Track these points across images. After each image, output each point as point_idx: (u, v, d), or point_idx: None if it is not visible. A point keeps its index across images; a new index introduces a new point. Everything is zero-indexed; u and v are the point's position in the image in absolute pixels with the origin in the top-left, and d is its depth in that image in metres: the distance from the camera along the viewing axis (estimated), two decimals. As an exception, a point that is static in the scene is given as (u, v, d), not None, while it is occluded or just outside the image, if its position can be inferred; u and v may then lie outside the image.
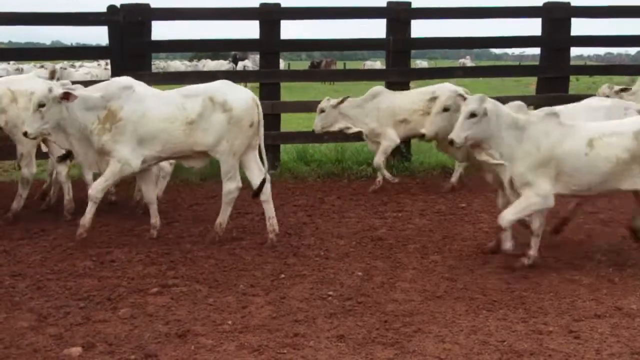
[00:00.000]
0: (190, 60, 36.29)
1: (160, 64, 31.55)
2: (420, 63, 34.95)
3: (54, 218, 6.38)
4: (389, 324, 3.96)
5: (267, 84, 8.72)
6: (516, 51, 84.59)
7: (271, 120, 8.60)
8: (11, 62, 26.32)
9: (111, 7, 8.08)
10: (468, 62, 36.55)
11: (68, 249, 5.40)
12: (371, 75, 11.67)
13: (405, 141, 8.77)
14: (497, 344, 3.70)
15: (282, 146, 8.89)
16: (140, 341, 3.71)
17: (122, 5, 8.12)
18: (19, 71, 23.10)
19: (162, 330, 3.86)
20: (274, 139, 8.61)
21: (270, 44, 8.60)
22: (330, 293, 4.45)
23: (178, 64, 33.68)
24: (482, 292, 4.48)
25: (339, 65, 36.67)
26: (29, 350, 3.59)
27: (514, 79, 23.16)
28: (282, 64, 20.72)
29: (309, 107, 9.94)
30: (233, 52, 32.51)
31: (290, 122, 11.37)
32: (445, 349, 3.65)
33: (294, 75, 11.19)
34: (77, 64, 29.66)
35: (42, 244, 5.56)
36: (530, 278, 4.73)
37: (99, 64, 27.56)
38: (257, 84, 9.46)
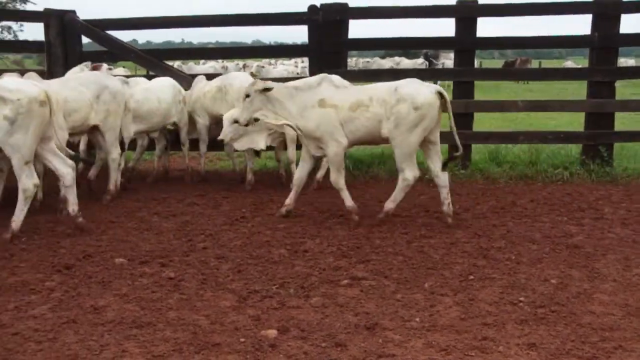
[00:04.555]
0: (383, 57, 36.71)
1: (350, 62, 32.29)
2: (626, 61, 32.51)
3: (252, 206, 6.81)
4: (585, 337, 3.75)
5: (461, 83, 8.60)
6: None
7: (464, 119, 8.50)
8: (219, 60, 28.37)
9: (312, 7, 8.43)
10: (684, 59, 33.22)
11: (265, 237, 5.74)
12: (572, 75, 11.05)
13: (607, 145, 8.27)
14: None
15: (473, 146, 8.72)
16: (330, 330, 3.84)
17: (321, 5, 8.42)
18: (225, 69, 24.86)
19: (352, 321, 3.96)
20: (466, 139, 8.48)
21: (466, 42, 8.46)
22: (522, 299, 4.31)
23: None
24: (695, 312, 4.10)
25: (534, 64, 35.29)
26: (230, 327, 3.86)
27: None
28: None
29: (503, 106, 9.70)
30: (424, 50, 32.36)
31: (482, 122, 11.12)
32: (650, 370, 3.39)
33: (489, 74, 10.88)
34: (274, 61, 31.25)
35: (242, 230, 5.96)
36: None
37: (295, 62, 28.84)
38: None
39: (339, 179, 6.16)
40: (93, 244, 5.53)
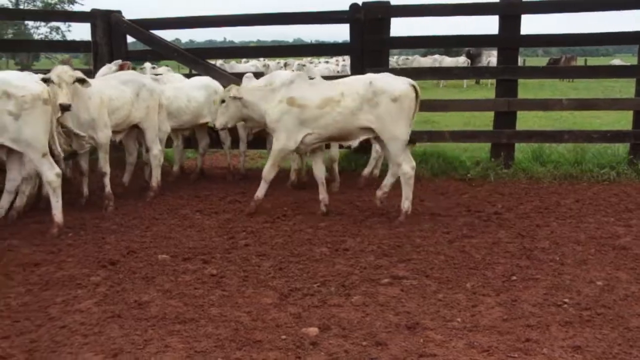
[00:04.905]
0: (424, 55, 36.46)
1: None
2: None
3: (294, 204, 6.83)
4: (633, 340, 3.66)
5: (504, 81, 8.47)
6: None
7: (507, 118, 8.39)
8: (260, 59, 28.54)
9: (354, 5, 8.40)
10: None
11: (306, 235, 5.75)
12: (621, 72, 10.82)
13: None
14: None
15: (516, 145, 8.59)
16: (371, 328, 3.83)
17: (364, 3, 8.40)
18: (266, 67, 25.00)
19: (392, 320, 3.95)
20: (509, 138, 8.38)
21: (510, 40, 8.34)
22: (566, 300, 4.23)
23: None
24: None
25: (579, 62, 34.62)
26: (272, 325, 3.88)
27: None
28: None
29: (547, 105, 9.53)
30: (467, 48, 32.03)
31: (525, 120, 10.95)
32: (700, 375, 3.29)
33: (533, 72, 10.69)
34: (316, 60, 31.30)
35: (284, 228, 5.98)
36: None
37: (336, 61, 28.84)
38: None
39: (270, 173, 6.43)
40: (137, 240, 5.62)
